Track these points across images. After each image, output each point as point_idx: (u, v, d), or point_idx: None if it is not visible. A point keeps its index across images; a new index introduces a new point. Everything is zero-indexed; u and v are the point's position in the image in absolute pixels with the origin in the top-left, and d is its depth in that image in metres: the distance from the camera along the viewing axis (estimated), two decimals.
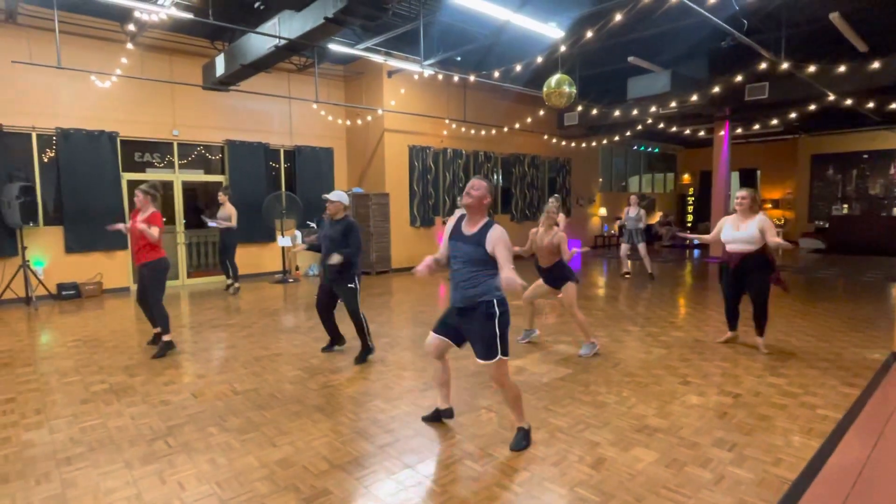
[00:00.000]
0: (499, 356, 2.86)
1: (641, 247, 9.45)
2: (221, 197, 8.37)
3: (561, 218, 7.16)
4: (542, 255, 4.83)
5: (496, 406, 3.58)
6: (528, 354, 4.81)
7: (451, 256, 3.01)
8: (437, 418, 3.36)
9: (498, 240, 2.83)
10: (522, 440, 3.00)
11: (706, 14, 5.84)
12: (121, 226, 5.15)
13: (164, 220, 8.79)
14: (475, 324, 2.89)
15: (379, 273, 10.38)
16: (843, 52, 8.68)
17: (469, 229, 2.96)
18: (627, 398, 3.71)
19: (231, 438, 3.13)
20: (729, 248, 4.77)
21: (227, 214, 8.24)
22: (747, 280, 4.71)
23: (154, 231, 4.80)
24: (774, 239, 4.54)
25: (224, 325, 6.12)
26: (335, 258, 4.39)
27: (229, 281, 8.48)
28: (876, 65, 8.17)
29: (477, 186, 2.95)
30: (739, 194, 4.73)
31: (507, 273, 2.67)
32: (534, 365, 4.50)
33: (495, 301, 2.87)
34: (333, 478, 2.67)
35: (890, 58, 8.11)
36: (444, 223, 3.12)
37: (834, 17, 7.06)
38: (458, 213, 3.11)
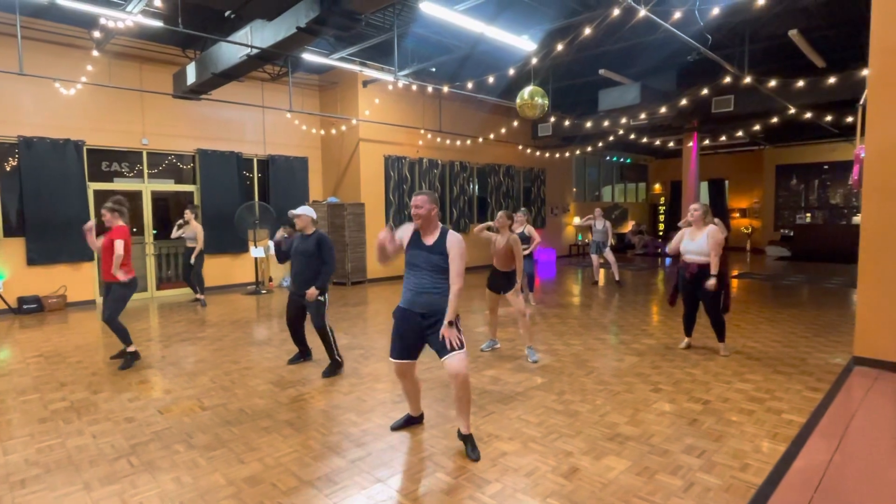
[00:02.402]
0: (465, 348, 2.99)
1: (609, 255, 9.71)
2: (188, 214, 8.14)
3: (530, 230, 7.38)
4: (499, 258, 4.95)
5: (470, 418, 3.55)
6: (501, 364, 4.82)
7: (411, 264, 3.09)
8: (408, 424, 3.42)
9: (454, 246, 2.99)
10: (476, 447, 3.03)
11: (672, 29, 6.02)
12: (89, 229, 4.83)
13: (134, 230, 8.81)
14: (438, 327, 2.98)
15: (354, 283, 10.29)
16: (802, 67, 9.06)
17: (428, 240, 3.07)
18: (600, 406, 3.74)
19: (197, 456, 3.04)
20: (685, 258, 5.00)
21: (193, 233, 8.06)
22: (701, 290, 4.92)
23: (119, 248, 4.70)
24: (712, 259, 4.78)
25: (194, 339, 5.97)
26: (312, 294, 4.45)
27: (198, 296, 8.32)
28: (832, 80, 8.53)
29: (421, 202, 3.04)
30: (692, 207, 5.01)
31: (447, 326, 2.93)
32: (507, 374, 4.50)
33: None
34: (302, 494, 2.61)
35: (845, 73, 8.47)
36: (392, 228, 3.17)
37: (793, 34, 7.36)
38: (412, 225, 3.15)
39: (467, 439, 3.04)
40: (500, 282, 4.99)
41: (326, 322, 4.54)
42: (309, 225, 4.54)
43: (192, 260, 8.06)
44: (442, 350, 2.96)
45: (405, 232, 3.16)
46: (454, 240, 3.01)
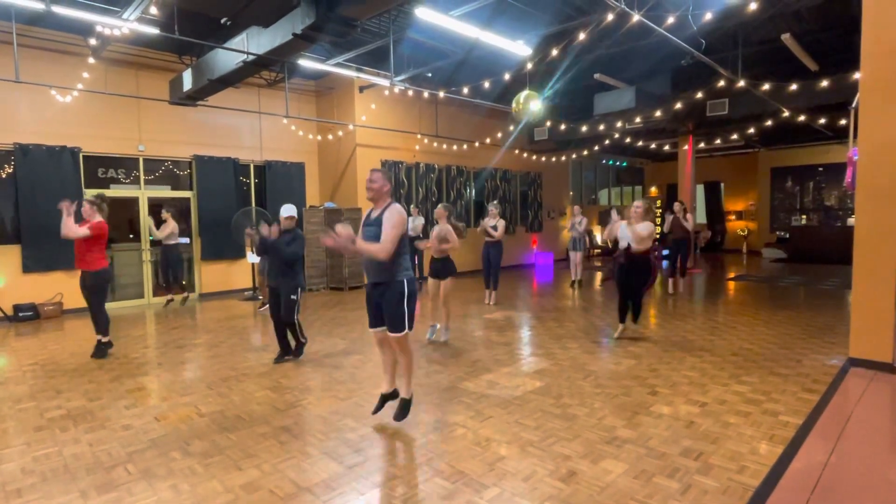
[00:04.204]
0: (405, 330, 3.29)
1: (578, 255, 9.87)
2: (164, 214, 8.30)
3: (501, 224, 7.91)
4: (434, 247, 5.55)
5: (468, 422, 3.56)
6: (499, 368, 4.82)
7: (363, 239, 3.31)
8: (384, 403, 3.59)
9: (389, 216, 3.19)
10: (406, 411, 3.44)
11: (666, 34, 6.06)
12: (64, 206, 5.05)
13: (130, 236, 8.80)
14: (387, 300, 3.26)
15: (352, 288, 10.28)
16: (795, 70, 9.12)
17: (375, 213, 3.31)
18: (598, 410, 3.75)
19: (194, 463, 3.03)
20: (622, 244, 5.57)
21: (169, 231, 8.18)
22: (632, 277, 5.60)
23: (82, 230, 5.00)
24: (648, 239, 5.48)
25: (190, 345, 5.95)
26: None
27: (169, 296, 8.58)
28: (825, 83, 8.59)
29: (374, 178, 3.30)
30: (636, 204, 5.58)
31: (346, 234, 3.09)
32: (505, 378, 4.51)
33: (405, 280, 3.28)
34: (300, 500, 2.60)
35: (838, 76, 8.54)
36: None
37: (785, 37, 7.41)
38: (410, 219, 3.36)
39: (406, 400, 3.42)
40: (438, 268, 5.64)
41: (296, 319, 4.98)
42: (292, 223, 4.99)
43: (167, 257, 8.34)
44: (388, 324, 3.30)
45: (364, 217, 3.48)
46: (391, 210, 3.22)
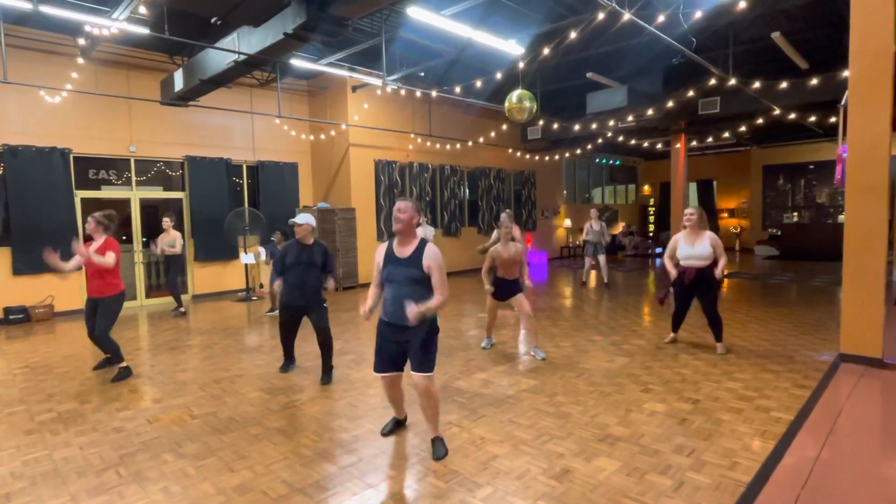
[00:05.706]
0: (434, 369, 3.03)
1: (602, 258, 9.72)
2: (166, 223, 8.07)
3: (516, 230, 7.47)
4: (506, 267, 5.04)
5: (461, 421, 3.56)
6: (493, 367, 4.82)
7: (389, 280, 3.05)
8: (396, 427, 3.45)
9: (433, 261, 2.96)
10: (444, 447, 3.11)
11: (657, 32, 6.08)
12: (74, 259, 4.65)
13: (123, 238, 8.74)
14: (417, 339, 2.97)
15: (346, 289, 10.26)
16: (785, 69, 9.19)
17: (403, 251, 3.03)
18: (591, 408, 3.76)
19: (187, 465, 3.01)
20: (684, 263, 5.04)
21: (172, 240, 7.98)
22: (698, 293, 5.07)
23: (109, 258, 4.57)
24: (722, 261, 4.93)
25: (183, 347, 5.92)
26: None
27: (182, 309, 8.31)
28: (815, 81, 8.65)
29: (403, 209, 3.02)
30: (688, 211, 5.05)
31: (417, 310, 2.82)
32: (499, 377, 4.51)
33: (437, 318, 3.04)
34: (293, 502, 2.59)
35: (827, 75, 8.60)
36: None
37: (776, 36, 7.46)
38: (420, 229, 3.14)
39: (437, 439, 3.13)
40: (508, 290, 5.08)
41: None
42: (309, 235, 4.50)
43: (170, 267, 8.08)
44: (414, 364, 3.00)
45: (379, 255, 3.13)
46: (432, 254, 2.96)
